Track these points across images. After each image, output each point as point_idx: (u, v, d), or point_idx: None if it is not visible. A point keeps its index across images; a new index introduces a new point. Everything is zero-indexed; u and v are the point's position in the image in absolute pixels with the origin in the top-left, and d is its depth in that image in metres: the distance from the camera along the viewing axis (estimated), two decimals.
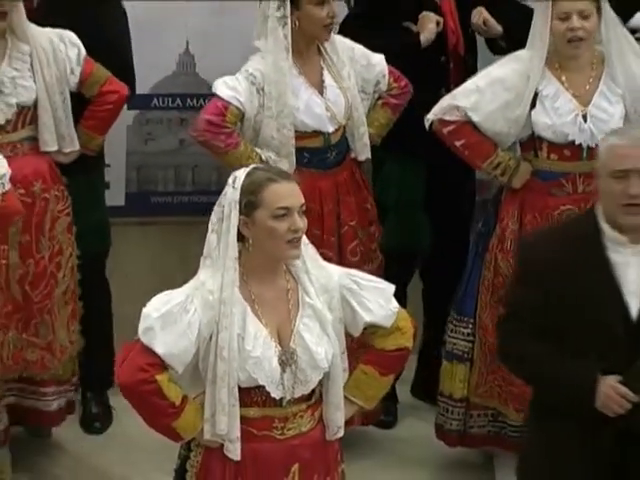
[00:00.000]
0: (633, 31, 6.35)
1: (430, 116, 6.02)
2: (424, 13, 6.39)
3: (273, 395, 4.45)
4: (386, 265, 6.41)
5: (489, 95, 5.92)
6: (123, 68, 6.28)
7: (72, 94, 6.06)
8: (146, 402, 4.44)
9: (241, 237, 4.42)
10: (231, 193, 4.42)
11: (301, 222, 4.42)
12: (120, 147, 6.81)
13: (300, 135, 6.05)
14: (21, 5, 5.93)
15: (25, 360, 6.07)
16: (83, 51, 6.01)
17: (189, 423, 4.47)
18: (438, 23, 6.39)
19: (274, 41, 6.01)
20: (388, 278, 6.16)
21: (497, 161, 5.95)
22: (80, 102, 6.11)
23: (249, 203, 4.38)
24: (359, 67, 6.19)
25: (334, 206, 6.12)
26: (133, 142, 6.92)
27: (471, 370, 6.19)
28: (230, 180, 4.45)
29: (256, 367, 4.42)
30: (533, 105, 5.91)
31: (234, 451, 4.44)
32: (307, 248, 4.56)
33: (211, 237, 4.44)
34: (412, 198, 6.55)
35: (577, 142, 5.89)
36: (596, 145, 5.78)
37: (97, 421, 6.51)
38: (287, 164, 5.90)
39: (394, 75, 6.23)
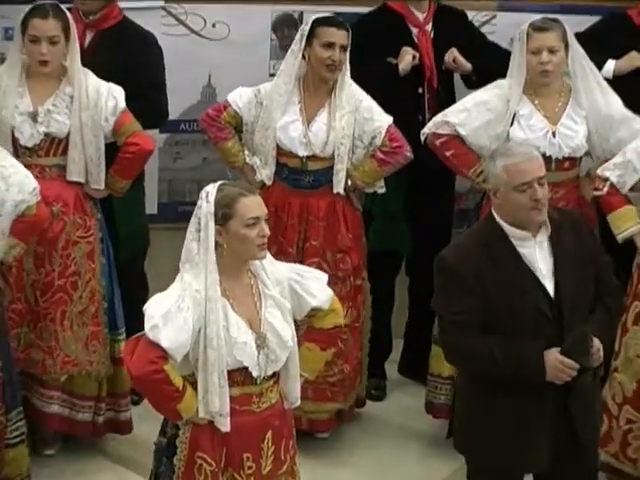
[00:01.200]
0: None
1: (425, 130, 6.21)
2: (404, 48, 6.55)
3: (254, 374, 4.64)
4: (373, 263, 6.52)
5: (475, 114, 6.15)
6: (160, 98, 6.47)
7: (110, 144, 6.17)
8: (156, 389, 4.61)
9: (216, 245, 4.62)
10: (206, 206, 4.58)
11: (267, 229, 4.63)
12: (153, 164, 6.83)
13: (282, 152, 6.22)
14: (76, 54, 6.06)
15: (30, 358, 6.14)
16: (121, 105, 6.07)
17: (189, 404, 4.62)
18: (414, 57, 6.54)
19: (285, 66, 6.22)
20: (376, 274, 6.53)
21: (480, 169, 6.09)
22: (115, 149, 6.19)
23: (224, 215, 4.56)
24: (361, 118, 6.27)
25: (298, 222, 6.23)
26: (164, 160, 7.07)
27: None
28: (203, 194, 4.61)
29: (241, 351, 4.60)
30: (511, 124, 6.15)
31: (225, 424, 4.62)
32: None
33: (191, 245, 4.62)
34: (394, 208, 6.67)
35: (547, 154, 6.02)
36: (563, 157, 6.17)
37: (134, 394, 6.43)
38: (268, 172, 6.20)
39: (391, 135, 6.28)
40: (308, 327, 4.90)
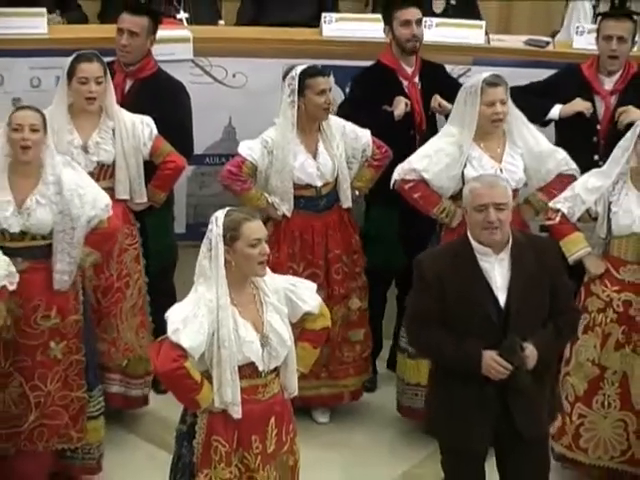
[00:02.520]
0: (548, 122, 6.65)
1: (395, 177, 6.18)
2: (397, 97, 6.54)
3: (259, 368, 4.72)
4: (370, 278, 6.54)
5: (435, 159, 6.13)
6: (186, 137, 6.49)
7: (147, 163, 6.25)
8: (178, 383, 4.67)
9: (225, 262, 4.67)
10: (215, 230, 4.66)
11: (267, 248, 4.70)
12: (182, 191, 6.97)
13: (297, 186, 6.23)
14: (112, 93, 6.13)
15: (97, 349, 6.12)
16: (155, 131, 6.17)
17: (206, 395, 4.68)
18: (407, 104, 6.54)
19: (284, 118, 6.21)
20: (373, 287, 6.59)
21: (442, 207, 6.16)
22: (153, 168, 6.28)
23: (231, 237, 4.64)
24: (349, 140, 6.32)
25: (322, 238, 6.27)
26: (191, 188, 7.12)
27: (418, 362, 6.28)
28: (213, 219, 4.68)
29: (249, 349, 4.68)
30: (464, 166, 6.11)
31: (237, 412, 4.70)
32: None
33: (203, 262, 4.70)
34: (387, 232, 6.66)
35: None
36: (513, 189, 5.77)
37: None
38: (287, 206, 6.19)
39: (377, 144, 6.35)
40: (301, 329, 4.96)
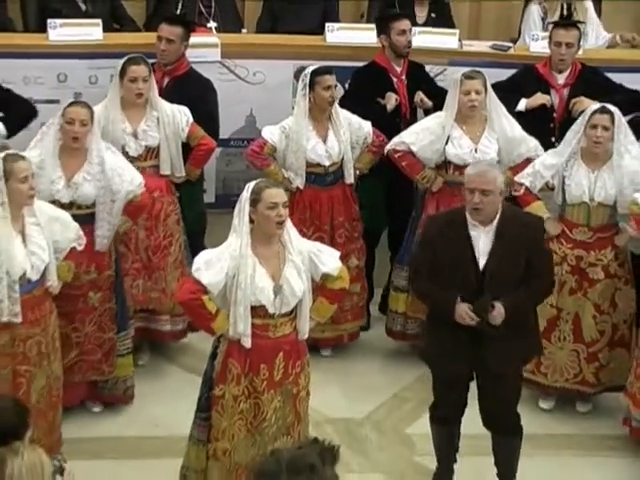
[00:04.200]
0: (519, 113, 6.47)
1: (387, 147, 6.20)
2: (388, 93, 6.54)
3: (270, 311, 4.73)
4: (364, 239, 6.47)
5: (421, 136, 6.14)
6: (213, 124, 6.43)
7: (184, 144, 6.22)
8: (195, 311, 4.76)
9: (251, 220, 4.70)
10: (245, 194, 4.70)
11: (284, 212, 4.66)
12: (212, 168, 6.93)
13: (309, 164, 6.20)
14: (155, 89, 6.11)
15: (150, 297, 6.17)
16: (190, 119, 6.14)
17: (220, 324, 4.74)
18: (396, 99, 6.53)
19: (298, 108, 6.19)
20: (366, 246, 6.51)
21: (425, 174, 6.18)
22: (189, 149, 6.27)
23: (254, 200, 4.65)
24: (354, 129, 6.28)
25: (328, 208, 6.25)
26: (219, 165, 7.06)
27: (408, 295, 6.34)
28: (246, 186, 4.74)
29: (261, 293, 4.68)
30: (446, 143, 6.11)
31: (247, 342, 4.73)
32: (292, 229, 4.82)
33: (234, 219, 4.72)
34: (376, 200, 6.66)
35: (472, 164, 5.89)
36: None
37: None
38: (300, 180, 6.16)
39: (376, 134, 6.30)
40: (321, 286, 4.96)
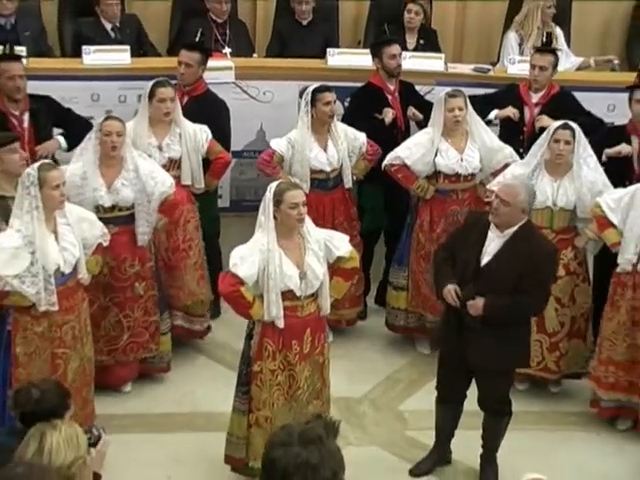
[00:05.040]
0: (489, 122, 6.48)
1: (384, 162, 6.20)
2: (385, 109, 6.52)
3: (297, 294, 4.83)
4: (364, 238, 6.49)
5: (414, 150, 6.14)
6: (225, 139, 6.39)
7: (204, 159, 6.21)
8: (235, 301, 4.84)
9: (274, 217, 4.77)
10: (268, 195, 4.76)
11: (303, 210, 4.77)
12: (227, 176, 6.87)
13: (312, 171, 6.20)
14: (179, 107, 6.10)
15: (168, 293, 6.12)
16: (210, 136, 6.13)
17: (257, 311, 4.82)
18: (393, 113, 6.52)
19: (301, 122, 6.20)
20: (365, 244, 6.51)
21: (418, 184, 6.18)
22: (208, 163, 6.25)
23: (277, 201, 4.73)
24: (350, 139, 6.29)
25: (330, 209, 6.25)
26: (234, 174, 7.06)
27: (407, 293, 6.36)
28: (268, 188, 4.81)
29: (289, 280, 4.79)
30: (436, 155, 6.10)
31: (280, 323, 4.83)
32: (309, 222, 4.90)
33: (260, 217, 4.79)
34: (376, 204, 6.67)
35: (459, 173, 6.15)
36: (468, 174, 6.16)
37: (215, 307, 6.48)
38: (305, 185, 6.02)
39: (370, 144, 6.32)
40: (336, 267, 5.04)
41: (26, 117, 6.03)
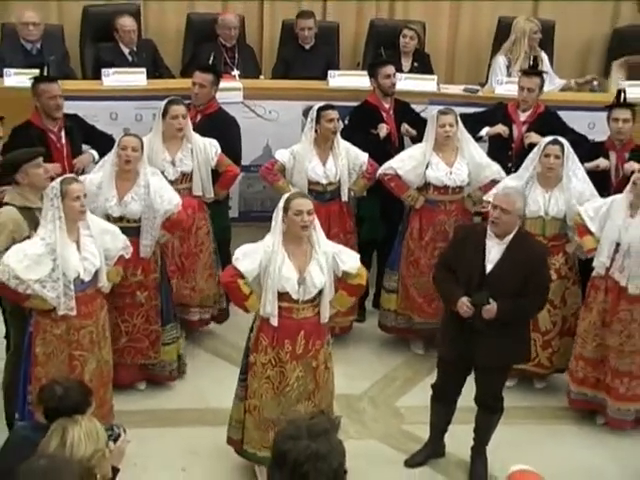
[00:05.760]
0: (480, 138, 6.44)
1: (379, 171, 6.17)
2: (380, 124, 6.51)
3: (294, 297, 4.77)
4: (362, 246, 6.33)
5: (407, 162, 6.12)
6: (235, 153, 6.35)
7: (213, 171, 6.19)
8: (232, 292, 4.86)
9: (283, 222, 4.73)
10: (280, 204, 4.77)
11: (307, 218, 4.69)
12: (236, 189, 6.93)
13: (310, 182, 6.15)
14: (190, 124, 6.07)
15: (182, 294, 6.16)
16: (219, 150, 6.10)
17: (253, 304, 4.82)
18: (387, 129, 6.49)
19: (305, 137, 6.18)
20: (363, 253, 5.98)
21: (409, 194, 6.16)
22: (217, 175, 6.22)
23: (285, 207, 4.72)
24: (351, 157, 6.23)
25: (325, 220, 5.96)
26: (242, 187, 7.06)
27: (397, 295, 6.35)
28: (282, 198, 4.81)
29: (286, 283, 4.73)
30: (427, 168, 6.08)
31: (274, 321, 4.78)
32: (318, 231, 4.82)
33: (272, 223, 4.78)
34: (373, 214, 6.58)
35: (447, 185, 6.11)
36: (455, 187, 6.06)
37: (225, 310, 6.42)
38: None
39: (370, 163, 6.25)
40: (342, 281, 4.96)
41: (63, 134, 6.06)
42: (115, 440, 3.55)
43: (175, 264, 6.14)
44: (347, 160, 6.26)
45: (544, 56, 7.62)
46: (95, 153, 6.14)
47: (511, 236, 4.97)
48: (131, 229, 5.58)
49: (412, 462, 5.37)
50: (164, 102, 6.06)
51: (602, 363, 5.63)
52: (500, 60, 7.54)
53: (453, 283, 4.99)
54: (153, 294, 5.75)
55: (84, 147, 6.25)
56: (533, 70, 6.60)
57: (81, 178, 5.32)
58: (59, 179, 4.95)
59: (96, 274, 5.03)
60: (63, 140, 6.05)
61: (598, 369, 5.64)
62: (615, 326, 5.53)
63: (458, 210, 6.24)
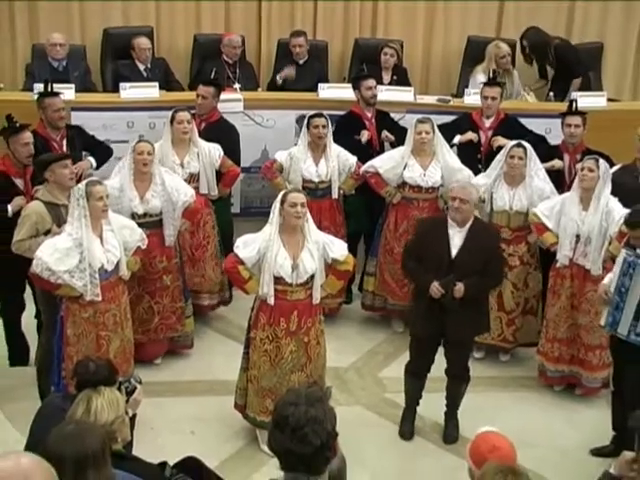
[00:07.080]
0: (453, 145, 6.38)
1: (362, 168, 6.13)
2: (362, 131, 6.46)
3: (288, 281, 4.76)
4: (350, 238, 6.28)
5: (387, 162, 6.11)
6: (236, 156, 6.33)
7: (217, 171, 6.15)
8: (233, 276, 4.85)
9: (280, 214, 4.72)
10: (278, 197, 4.77)
11: (300, 210, 4.66)
12: (238, 188, 6.87)
13: (304, 180, 6.13)
14: (196, 131, 6.02)
15: (193, 282, 6.10)
16: (222, 153, 6.08)
17: (252, 287, 4.81)
18: (369, 135, 6.46)
19: (301, 141, 6.18)
20: (351, 243, 6.05)
21: (387, 190, 6.13)
22: (220, 175, 6.16)
23: (282, 200, 4.72)
24: (342, 160, 6.20)
25: (317, 215, 5.90)
26: (243, 186, 6.98)
27: (375, 278, 6.36)
28: (281, 192, 4.83)
29: (281, 268, 4.73)
30: (404, 168, 6.06)
31: (271, 301, 4.77)
32: (310, 223, 4.82)
33: (271, 215, 4.78)
34: (359, 208, 6.53)
35: (421, 185, 6.07)
36: (429, 187, 6.05)
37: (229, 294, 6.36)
38: None
39: (359, 165, 6.21)
40: (332, 267, 4.95)
41: (64, 142, 5.99)
42: (132, 392, 3.61)
43: (187, 255, 6.11)
44: (338, 162, 6.22)
45: (516, 74, 7.60)
46: (93, 160, 6.08)
47: (469, 224, 4.97)
48: (154, 222, 5.60)
49: (407, 435, 5.27)
50: (171, 112, 6.04)
51: (574, 341, 5.60)
52: (479, 78, 7.43)
53: (422, 270, 4.97)
54: (176, 276, 5.77)
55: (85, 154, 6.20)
56: (493, 81, 6.56)
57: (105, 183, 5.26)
58: (84, 181, 4.94)
59: (117, 264, 5.03)
60: (64, 148, 5.97)
61: (572, 346, 5.61)
62: (584, 306, 5.50)
63: (430, 207, 6.21)
